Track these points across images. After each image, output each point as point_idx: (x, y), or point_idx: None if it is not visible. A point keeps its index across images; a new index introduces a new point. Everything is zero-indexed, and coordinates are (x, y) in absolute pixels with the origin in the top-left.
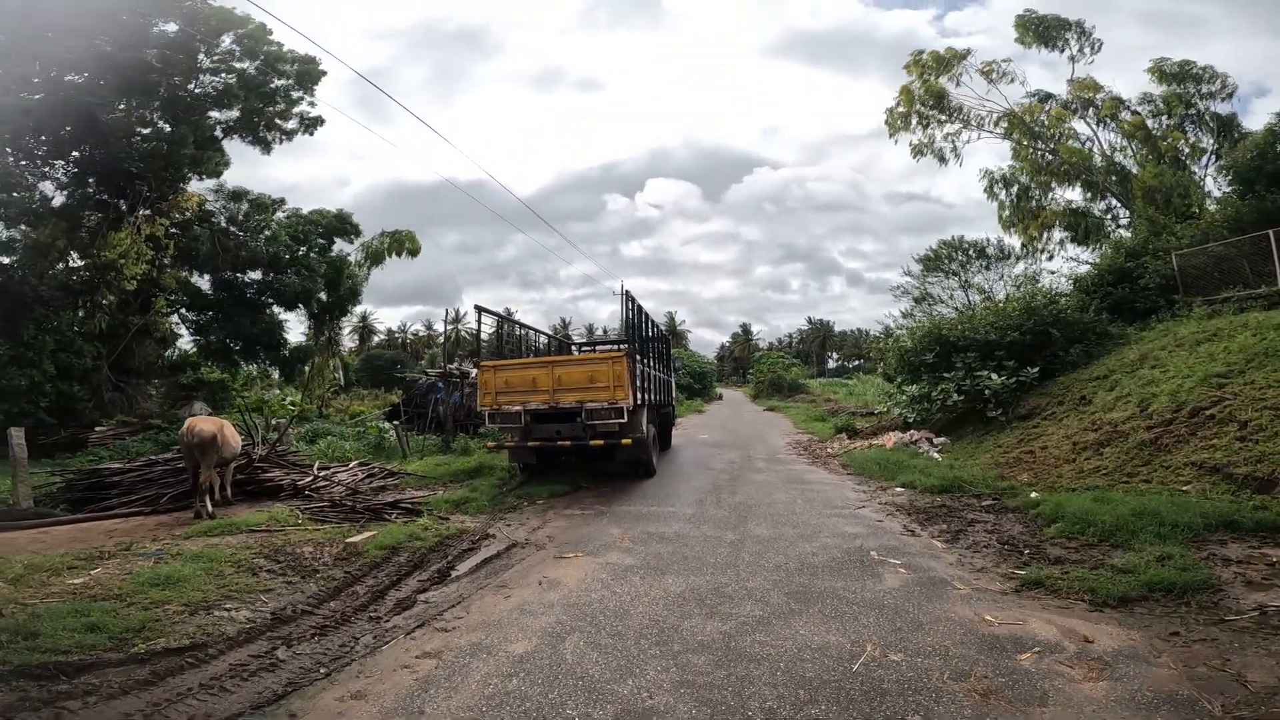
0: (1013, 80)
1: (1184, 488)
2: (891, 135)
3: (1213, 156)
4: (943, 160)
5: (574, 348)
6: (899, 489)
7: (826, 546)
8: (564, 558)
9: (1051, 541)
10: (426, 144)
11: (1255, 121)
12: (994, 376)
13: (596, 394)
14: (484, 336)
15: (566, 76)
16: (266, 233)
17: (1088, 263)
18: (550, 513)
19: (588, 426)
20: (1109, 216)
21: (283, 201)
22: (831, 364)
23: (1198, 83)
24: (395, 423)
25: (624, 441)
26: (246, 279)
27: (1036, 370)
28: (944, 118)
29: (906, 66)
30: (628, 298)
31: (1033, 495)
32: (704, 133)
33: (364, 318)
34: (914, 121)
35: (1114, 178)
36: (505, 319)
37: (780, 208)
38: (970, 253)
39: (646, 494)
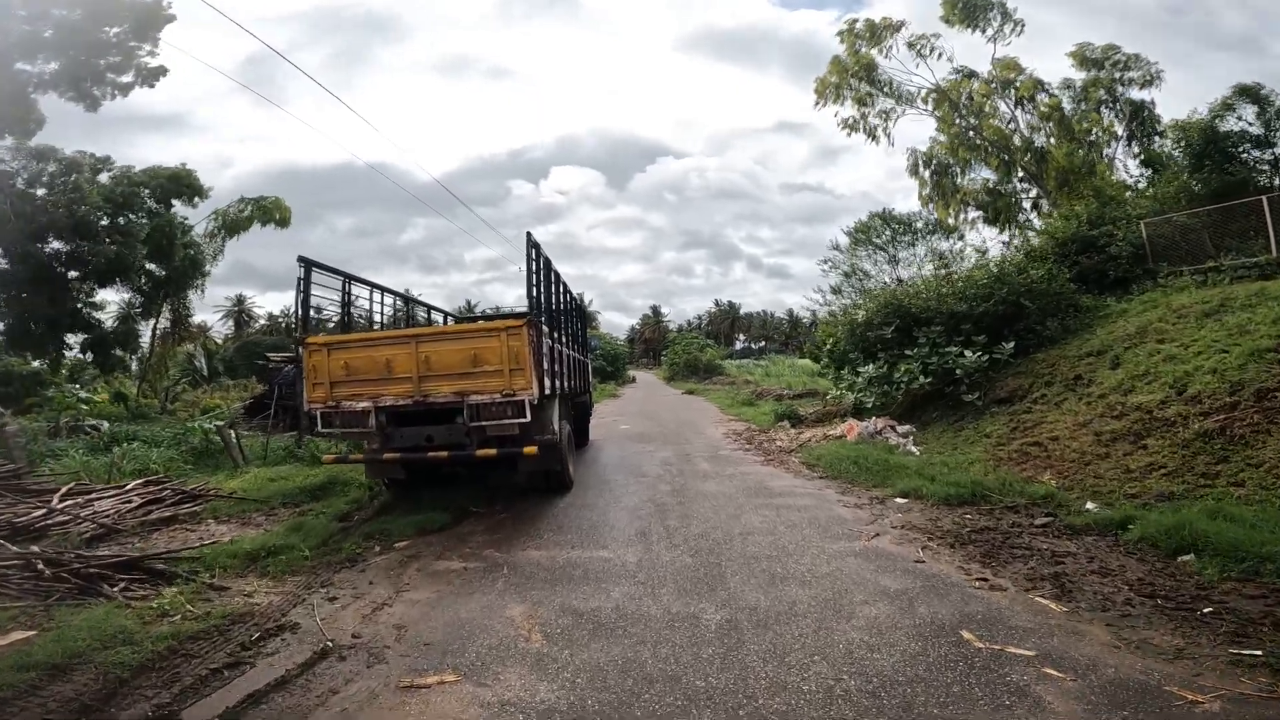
0: (940, 55)
1: None
2: (818, 105)
3: (1125, 141)
4: (873, 137)
5: (450, 319)
6: (900, 500)
7: (877, 624)
8: (416, 688)
9: (1221, 590)
10: (322, 126)
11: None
12: (967, 354)
13: (485, 381)
14: (315, 305)
15: (477, 64)
16: (75, 195)
17: (1046, 231)
18: (412, 568)
19: (473, 430)
20: (1024, 196)
21: (108, 160)
22: (738, 345)
23: (1120, 68)
24: (236, 424)
25: (527, 450)
26: (48, 249)
27: (1012, 346)
28: (873, 90)
29: (840, 35)
30: (533, 248)
31: (1090, 507)
32: (613, 122)
33: (240, 300)
34: (845, 93)
35: (1030, 156)
36: (349, 277)
37: (684, 196)
38: (897, 227)
39: (564, 523)
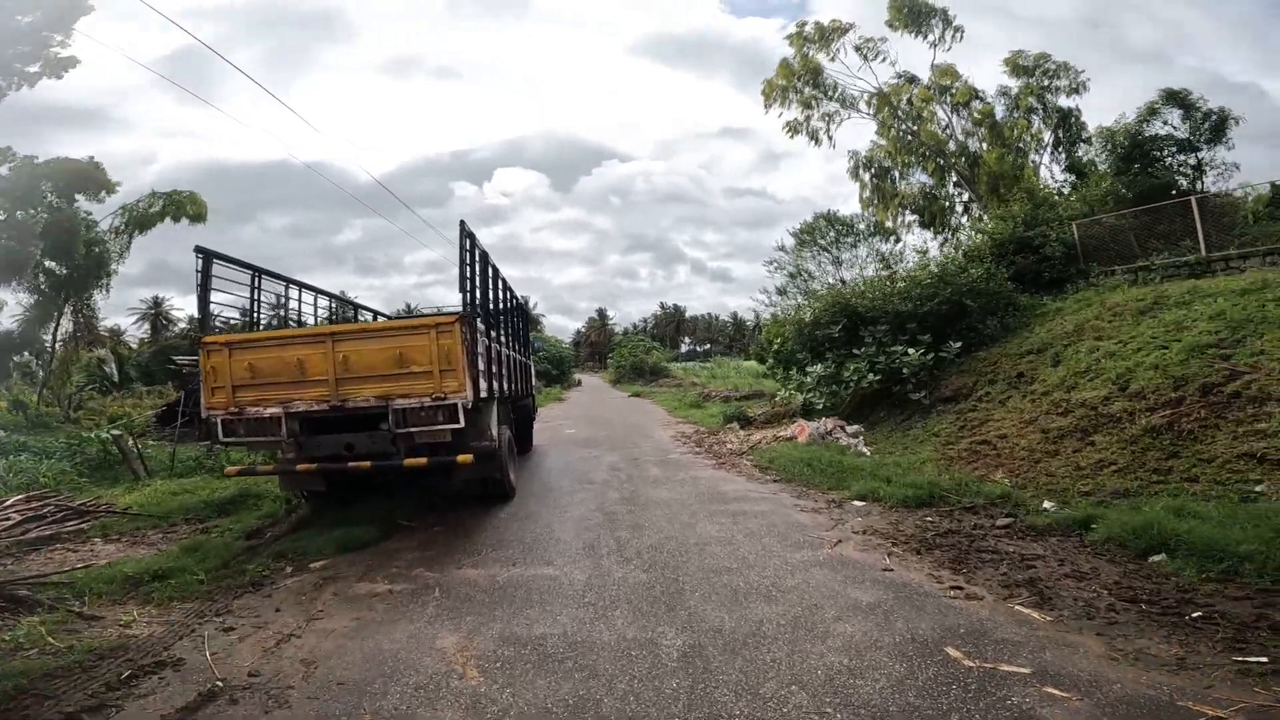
0: (884, 59)
1: (1257, 488)
2: (767, 108)
3: (1052, 147)
4: (816, 140)
5: (375, 317)
6: (858, 503)
7: (855, 644)
8: None
9: (1204, 593)
10: (257, 124)
11: (1097, 118)
12: (911, 352)
13: (413, 384)
14: (214, 301)
15: (424, 64)
16: None
17: (984, 231)
18: (328, 592)
19: (400, 437)
20: (957, 199)
21: (7, 151)
22: (684, 348)
23: (1050, 76)
24: (145, 433)
25: (461, 459)
26: None
27: (958, 345)
28: (818, 94)
29: (789, 38)
30: (468, 238)
31: (1048, 506)
32: (559, 125)
33: (157, 303)
34: (791, 96)
35: (964, 161)
36: (258, 270)
37: (629, 199)
38: (841, 228)
39: (505, 536)
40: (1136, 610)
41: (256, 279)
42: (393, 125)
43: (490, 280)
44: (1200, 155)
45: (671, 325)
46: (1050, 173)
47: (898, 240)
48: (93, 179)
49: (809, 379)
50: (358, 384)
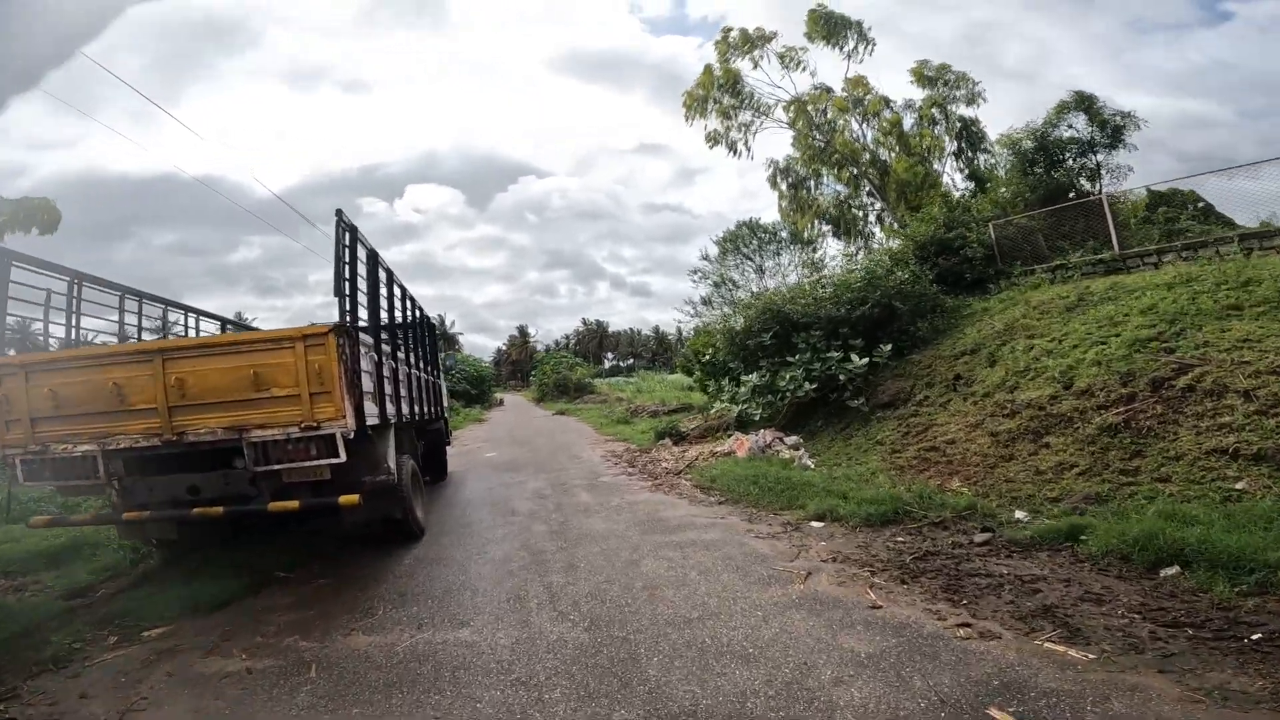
0: (804, 69)
1: (1237, 485)
2: (688, 119)
3: (954, 156)
4: (734, 151)
5: (229, 328)
6: (816, 524)
7: (872, 715)
8: None
9: (1246, 609)
10: (139, 136)
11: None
12: (853, 358)
13: (276, 411)
14: (16, 315)
15: (330, 76)
16: None
17: (904, 235)
18: (161, 671)
19: (262, 476)
20: (869, 209)
21: None
22: (607, 363)
23: (951, 86)
24: None
25: (344, 500)
26: None
27: (890, 348)
28: (736, 103)
29: (715, 44)
30: (347, 232)
31: (1020, 516)
32: (475, 140)
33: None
34: (710, 107)
35: (874, 170)
36: (79, 277)
37: (547, 215)
38: (764, 235)
39: (409, 588)
40: (1185, 637)
41: (75, 285)
42: (296, 139)
43: (382, 286)
44: (1098, 158)
45: (594, 341)
46: (953, 180)
47: (814, 249)
48: None
49: (743, 390)
50: (199, 413)
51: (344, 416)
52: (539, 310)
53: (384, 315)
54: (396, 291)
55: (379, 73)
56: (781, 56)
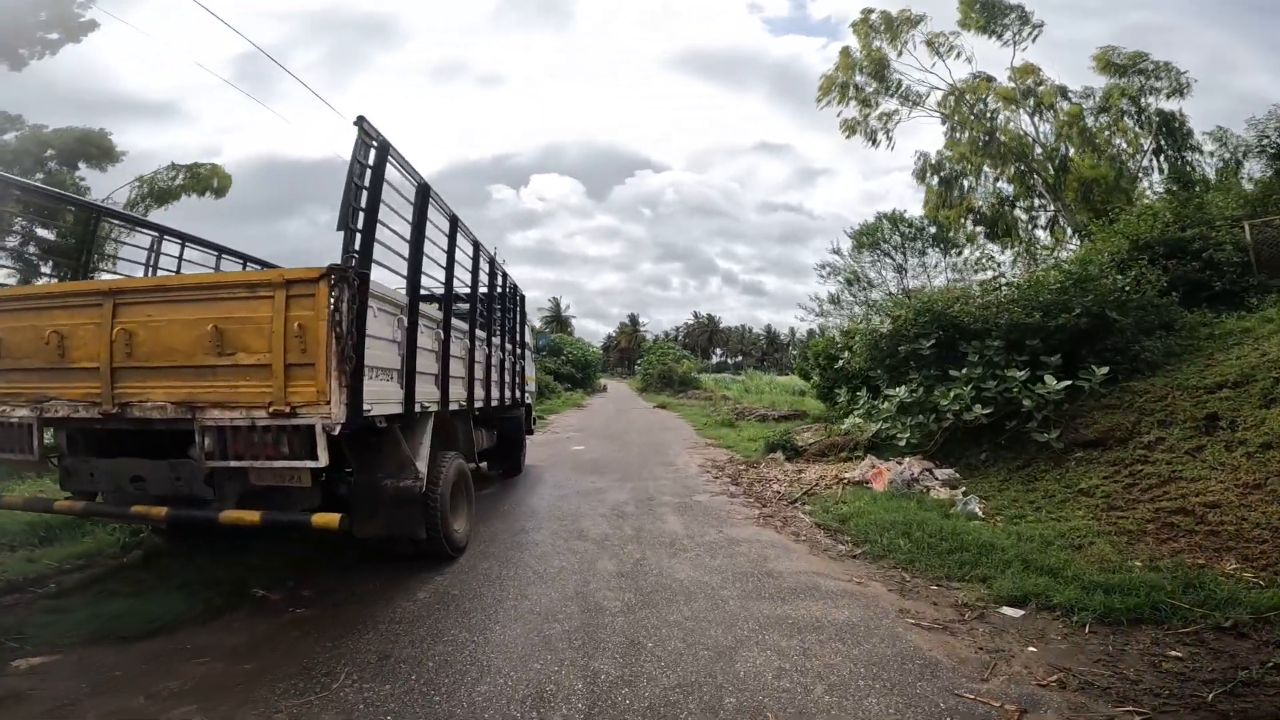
0: (959, 55)
1: None
2: (820, 102)
3: (1152, 154)
4: (873, 141)
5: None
6: (1012, 612)
7: None
8: None
9: None
10: (307, 123)
11: (1203, 121)
12: (1048, 379)
13: (237, 384)
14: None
15: (470, 70)
16: None
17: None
18: None
19: (220, 474)
20: (1038, 211)
21: (19, 119)
22: (715, 359)
23: (1147, 76)
24: None
25: (319, 520)
26: None
27: (1105, 371)
28: (881, 88)
29: (853, 26)
30: (370, 146)
31: None
32: (596, 133)
33: None
34: (850, 93)
35: (1050, 166)
36: (68, 199)
37: (661, 210)
38: (907, 230)
39: (395, 649)
40: None
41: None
42: (438, 128)
43: (436, 234)
44: None
45: (704, 335)
46: (1150, 183)
47: (959, 251)
48: (97, 146)
49: (886, 405)
50: (148, 379)
51: (327, 401)
52: (650, 301)
53: (434, 275)
54: (465, 247)
55: (511, 68)
56: (930, 42)
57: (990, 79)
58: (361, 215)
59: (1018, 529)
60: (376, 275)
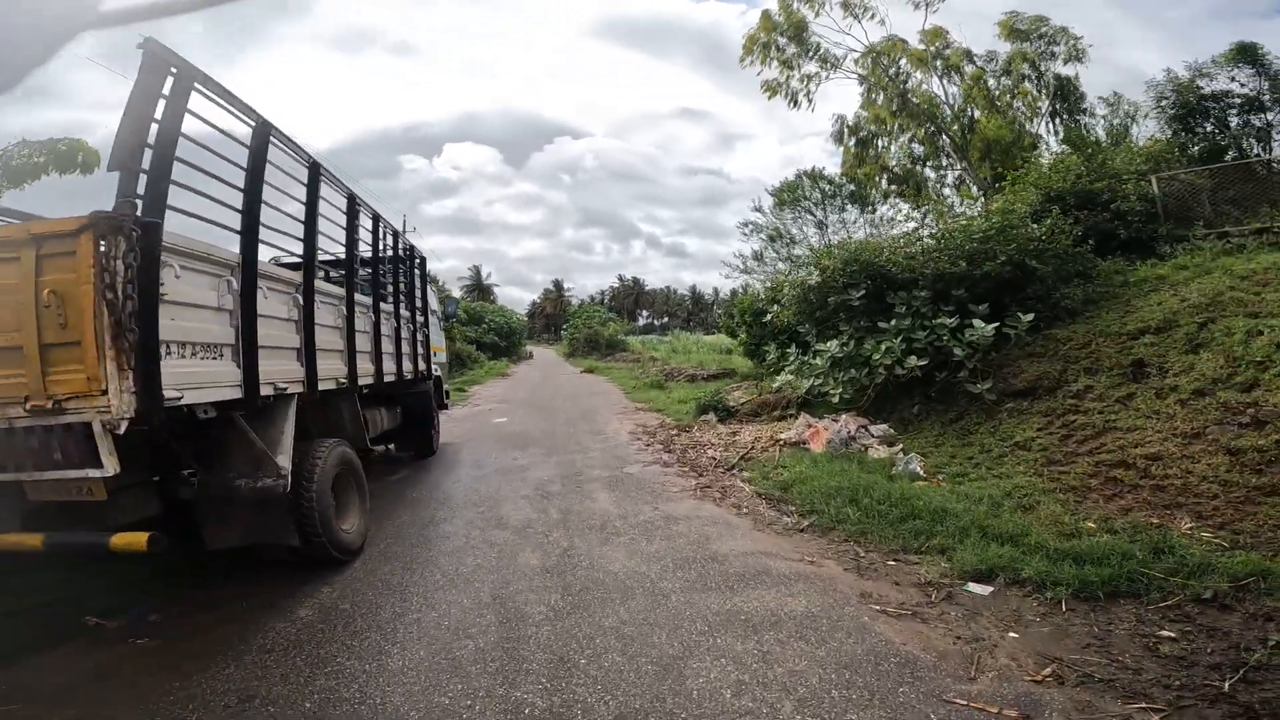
0: (873, 16)
1: None
2: (743, 61)
3: (1048, 117)
4: (795, 102)
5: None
6: (979, 588)
7: None
8: None
9: None
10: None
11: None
12: (977, 324)
13: None
14: None
15: (381, 39)
16: None
17: (1032, 184)
18: None
19: None
20: (946, 170)
21: None
22: (641, 321)
23: (1047, 42)
24: None
25: (118, 543)
26: None
27: (1030, 318)
28: (800, 51)
29: None
30: (162, 64)
31: None
32: (514, 101)
33: None
34: (772, 53)
35: (957, 127)
36: None
37: (582, 176)
38: (827, 188)
39: (260, 687)
40: None
41: None
42: (344, 98)
43: (279, 181)
44: (1269, 116)
45: (630, 298)
46: (1046, 144)
47: (873, 209)
48: None
49: (819, 361)
50: None
51: (103, 391)
52: (575, 266)
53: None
54: (335, 200)
55: (425, 36)
56: (845, 4)
57: (904, 42)
58: (149, 153)
59: (965, 489)
60: (201, 233)
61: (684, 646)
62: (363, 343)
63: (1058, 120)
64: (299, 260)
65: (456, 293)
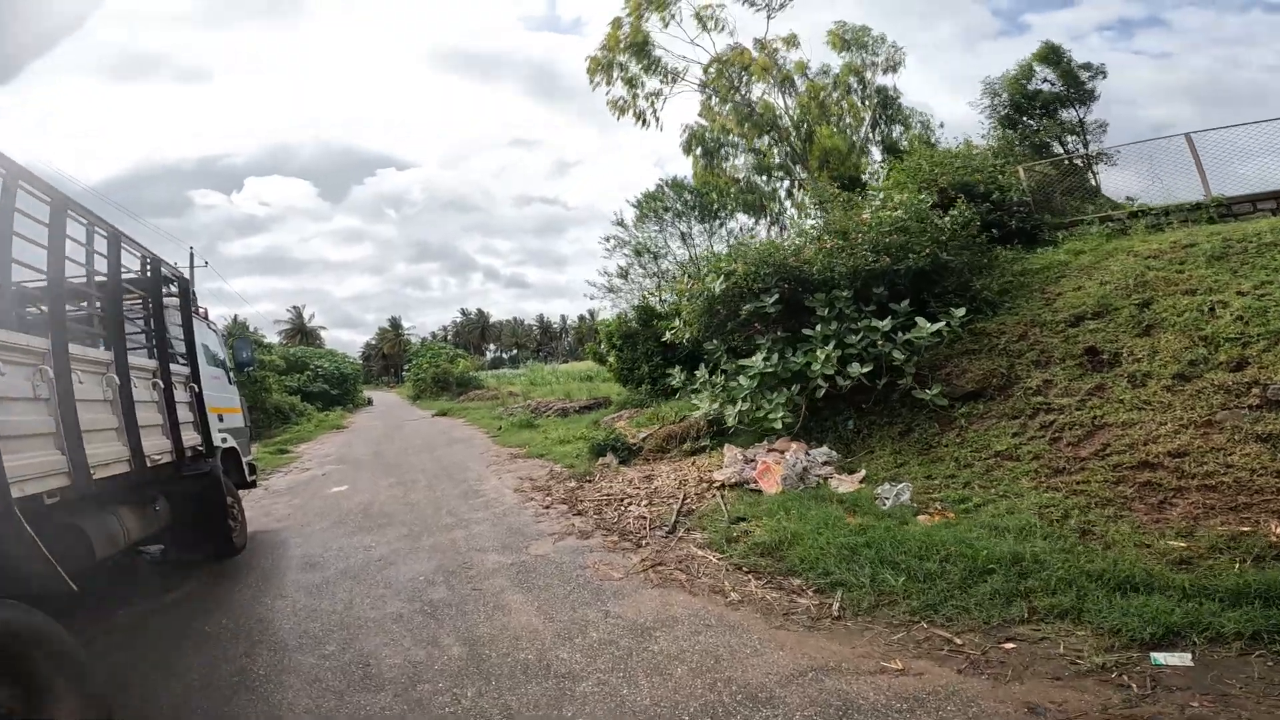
0: (722, 28)
1: None
2: (591, 83)
3: (871, 126)
4: (642, 120)
5: None
6: (1168, 659)
7: None
8: None
9: None
10: None
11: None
12: (921, 322)
13: None
14: None
15: (166, 67)
16: None
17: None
18: None
19: None
20: (789, 179)
21: None
22: (489, 355)
23: (869, 51)
24: None
25: None
26: None
27: (963, 313)
28: (642, 68)
29: (626, 3)
30: None
31: None
32: (329, 133)
33: None
34: (615, 74)
35: (796, 137)
36: None
37: (409, 210)
38: (689, 197)
39: None
40: None
41: None
42: (125, 129)
43: None
44: (1079, 113)
45: (475, 332)
46: (870, 153)
47: (722, 224)
48: None
49: (744, 381)
50: None
51: None
52: (411, 303)
53: None
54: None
55: (219, 62)
56: (699, 15)
57: (747, 50)
58: None
59: (983, 520)
60: None
61: None
62: (34, 417)
63: (876, 130)
64: None
65: (273, 338)
